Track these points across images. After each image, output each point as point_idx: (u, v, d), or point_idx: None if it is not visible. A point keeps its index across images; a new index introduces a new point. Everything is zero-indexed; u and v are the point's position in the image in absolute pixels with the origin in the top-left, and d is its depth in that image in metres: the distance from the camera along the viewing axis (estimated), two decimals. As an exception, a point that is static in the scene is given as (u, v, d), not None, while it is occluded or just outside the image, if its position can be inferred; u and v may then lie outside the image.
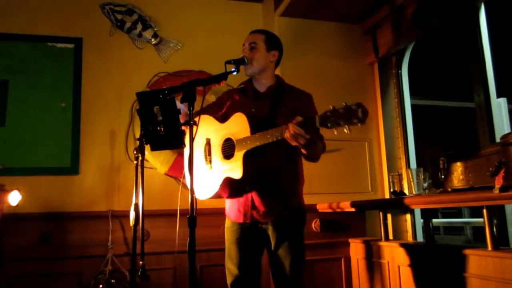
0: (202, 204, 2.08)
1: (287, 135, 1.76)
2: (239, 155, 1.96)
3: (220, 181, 2.03)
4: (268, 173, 2.03)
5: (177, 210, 2.12)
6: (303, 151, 1.91)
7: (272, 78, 2.19)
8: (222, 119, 2.17)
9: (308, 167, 2.19)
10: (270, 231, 2.04)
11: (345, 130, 1.59)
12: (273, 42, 2.19)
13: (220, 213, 2.29)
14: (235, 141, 2.01)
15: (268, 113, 2.06)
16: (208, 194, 2.10)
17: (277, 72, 2.28)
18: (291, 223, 2.06)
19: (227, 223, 2.17)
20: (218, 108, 2.28)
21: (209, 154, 2.14)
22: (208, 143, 2.16)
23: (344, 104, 1.59)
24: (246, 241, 2.08)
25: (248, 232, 2.08)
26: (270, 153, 1.98)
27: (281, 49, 2.23)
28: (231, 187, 2.06)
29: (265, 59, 2.14)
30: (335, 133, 1.63)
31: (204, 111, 2.25)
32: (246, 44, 2.14)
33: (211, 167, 2.11)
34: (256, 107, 2.11)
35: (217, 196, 2.11)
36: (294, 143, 1.78)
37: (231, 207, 2.14)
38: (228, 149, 2.06)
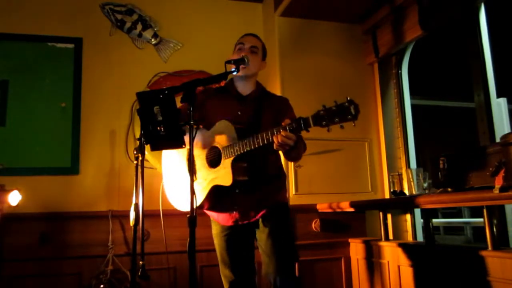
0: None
1: (277, 139, 1.74)
2: (227, 162, 1.94)
3: (207, 190, 2.01)
4: (255, 174, 2.01)
5: (177, 210, 2.13)
6: (286, 153, 1.91)
7: (255, 84, 2.21)
8: (201, 121, 2.14)
9: (308, 167, 2.19)
10: (259, 224, 2.05)
11: (340, 127, 1.62)
12: (265, 53, 2.25)
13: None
14: (221, 149, 1.99)
15: (252, 117, 2.08)
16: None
17: (277, 72, 2.28)
18: (277, 211, 2.08)
19: (215, 229, 2.16)
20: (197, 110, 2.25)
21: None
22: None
23: (335, 102, 1.61)
24: (236, 243, 2.10)
25: (238, 234, 2.09)
26: (256, 156, 1.97)
27: None
28: (219, 194, 2.03)
29: (259, 65, 2.19)
30: (328, 131, 1.64)
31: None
32: (247, 45, 2.14)
33: (196, 177, 2.08)
34: (241, 110, 2.11)
35: (200, 206, 2.07)
36: (279, 147, 1.77)
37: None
38: (213, 158, 2.04)
